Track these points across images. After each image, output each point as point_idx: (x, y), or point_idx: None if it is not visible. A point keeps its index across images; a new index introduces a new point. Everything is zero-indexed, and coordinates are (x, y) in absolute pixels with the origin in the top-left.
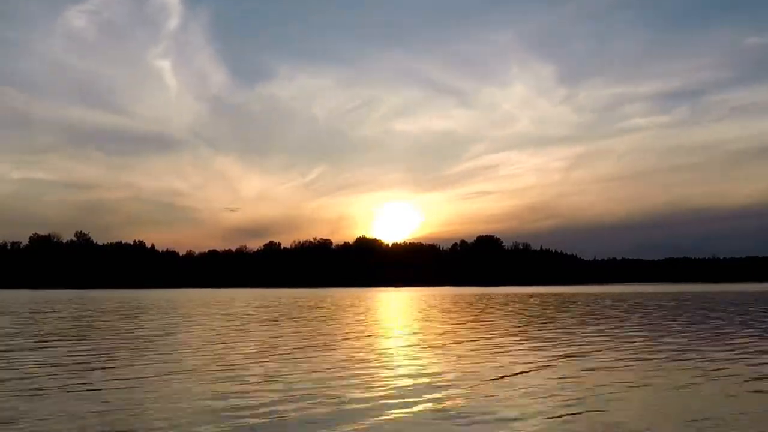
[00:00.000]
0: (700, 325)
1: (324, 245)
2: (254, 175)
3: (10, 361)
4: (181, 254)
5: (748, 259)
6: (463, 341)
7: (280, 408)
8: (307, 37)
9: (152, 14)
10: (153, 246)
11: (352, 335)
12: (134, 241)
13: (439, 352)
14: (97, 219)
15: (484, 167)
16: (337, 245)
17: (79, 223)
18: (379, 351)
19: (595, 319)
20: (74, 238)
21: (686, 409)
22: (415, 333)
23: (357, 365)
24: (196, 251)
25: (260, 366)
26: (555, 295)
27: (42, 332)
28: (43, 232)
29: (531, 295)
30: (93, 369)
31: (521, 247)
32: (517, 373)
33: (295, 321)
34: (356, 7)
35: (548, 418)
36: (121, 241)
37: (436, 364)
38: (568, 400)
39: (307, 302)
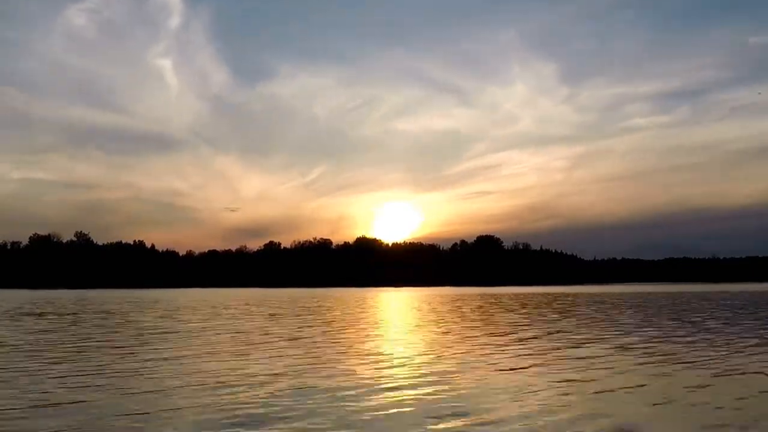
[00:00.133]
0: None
1: (324, 245)
2: (254, 174)
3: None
4: (181, 254)
5: (748, 259)
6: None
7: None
8: (308, 36)
9: (153, 13)
10: (153, 246)
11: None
12: (134, 241)
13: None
14: (97, 219)
15: (484, 167)
16: (337, 245)
17: (79, 223)
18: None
19: (592, 319)
20: (74, 238)
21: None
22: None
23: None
24: (196, 251)
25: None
26: (554, 295)
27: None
28: (43, 232)
29: (531, 295)
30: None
31: (521, 247)
32: (525, 369)
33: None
34: (357, 6)
35: (546, 416)
36: (121, 241)
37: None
38: (565, 399)
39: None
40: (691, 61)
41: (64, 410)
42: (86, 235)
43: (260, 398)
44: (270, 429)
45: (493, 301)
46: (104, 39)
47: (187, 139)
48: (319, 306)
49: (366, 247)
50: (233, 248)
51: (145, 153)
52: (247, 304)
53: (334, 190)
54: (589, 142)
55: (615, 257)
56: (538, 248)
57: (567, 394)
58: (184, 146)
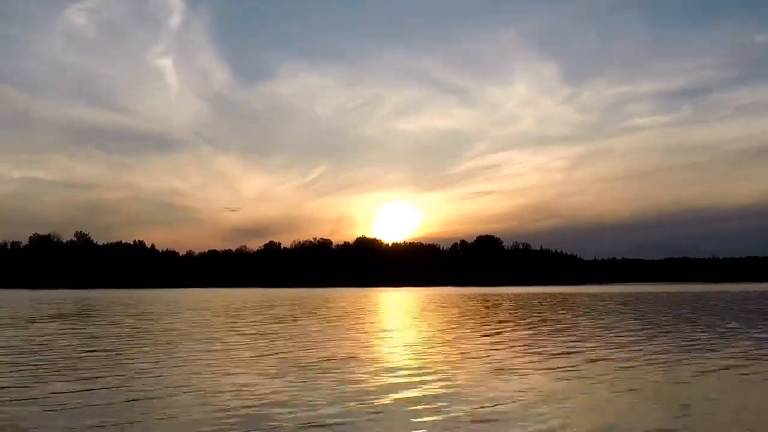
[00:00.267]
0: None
1: (324, 245)
2: (255, 174)
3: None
4: (181, 254)
5: (748, 259)
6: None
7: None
8: (309, 35)
9: (153, 13)
10: (153, 246)
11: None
12: (134, 241)
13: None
14: (97, 219)
15: (485, 167)
16: (337, 245)
17: (79, 223)
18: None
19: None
20: (74, 238)
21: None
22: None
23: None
24: (196, 251)
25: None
26: (551, 295)
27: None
28: (43, 232)
29: (531, 295)
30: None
31: (521, 247)
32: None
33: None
34: (358, 6)
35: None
36: (121, 241)
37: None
38: (562, 397)
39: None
40: (694, 60)
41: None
42: (86, 235)
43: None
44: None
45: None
46: (104, 38)
47: (187, 139)
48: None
49: (366, 247)
50: (233, 248)
51: (145, 153)
52: (267, 306)
53: (335, 190)
54: (589, 142)
55: (615, 257)
56: (538, 248)
57: (559, 391)
58: (184, 146)
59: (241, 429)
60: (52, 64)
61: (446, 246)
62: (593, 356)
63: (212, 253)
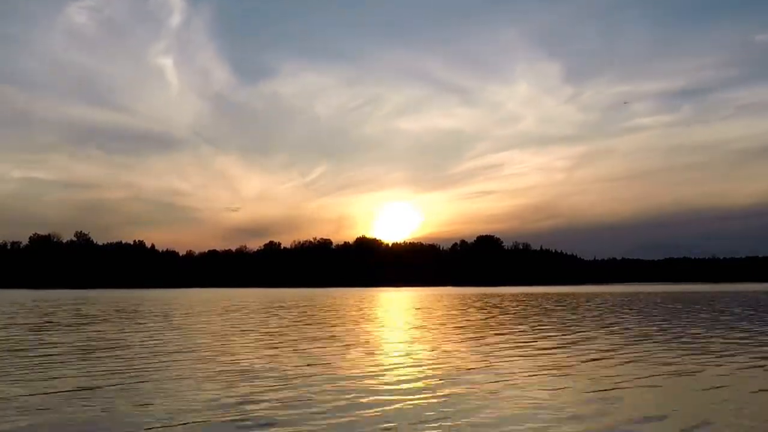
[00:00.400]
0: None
1: (324, 245)
2: (255, 174)
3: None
4: (181, 254)
5: (748, 259)
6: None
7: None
8: (310, 35)
9: (154, 11)
10: (153, 246)
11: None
12: (134, 241)
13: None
14: (97, 219)
15: (487, 166)
16: (337, 245)
17: (79, 223)
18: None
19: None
20: (74, 238)
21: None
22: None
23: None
24: (196, 251)
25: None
26: (548, 295)
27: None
28: (43, 232)
29: (529, 295)
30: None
31: (521, 247)
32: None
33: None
34: (359, 5)
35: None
36: (121, 241)
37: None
38: (558, 396)
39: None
40: (695, 60)
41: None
42: (86, 235)
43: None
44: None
45: (502, 301)
46: (105, 37)
47: (187, 139)
48: (365, 307)
49: (366, 247)
50: (233, 248)
51: (145, 152)
52: (284, 306)
53: (335, 190)
54: (591, 141)
55: (615, 257)
56: (538, 248)
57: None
58: (184, 146)
59: None
60: (52, 64)
61: (446, 246)
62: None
63: (212, 253)
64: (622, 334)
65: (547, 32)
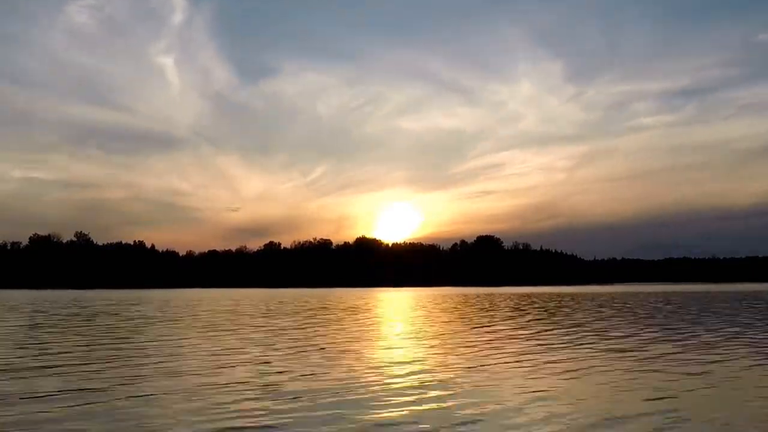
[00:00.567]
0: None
1: (324, 245)
2: (256, 174)
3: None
4: (181, 254)
5: (748, 259)
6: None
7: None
8: (311, 34)
9: (155, 10)
10: (153, 246)
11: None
12: (134, 241)
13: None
14: (97, 219)
15: (488, 166)
16: (337, 245)
17: (79, 223)
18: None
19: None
20: (74, 238)
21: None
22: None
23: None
24: (196, 251)
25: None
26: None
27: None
28: (43, 232)
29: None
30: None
31: (521, 247)
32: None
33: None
34: (360, 4)
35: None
36: (121, 241)
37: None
38: (553, 395)
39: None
40: (698, 60)
41: None
42: (86, 235)
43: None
44: None
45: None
46: (105, 36)
47: (188, 138)
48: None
49: (366, 247)
50: (233, 248)
51: (145, 152)
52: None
53: (336, 190)
54: (594, 141)
55: (615, 257)
56: (539, 248)
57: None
58: (185, 145)
59: None
60: (52, 63)
61: (446, 246)
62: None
63: (212, 253)
64: (622, 334)
65: (550, 31)
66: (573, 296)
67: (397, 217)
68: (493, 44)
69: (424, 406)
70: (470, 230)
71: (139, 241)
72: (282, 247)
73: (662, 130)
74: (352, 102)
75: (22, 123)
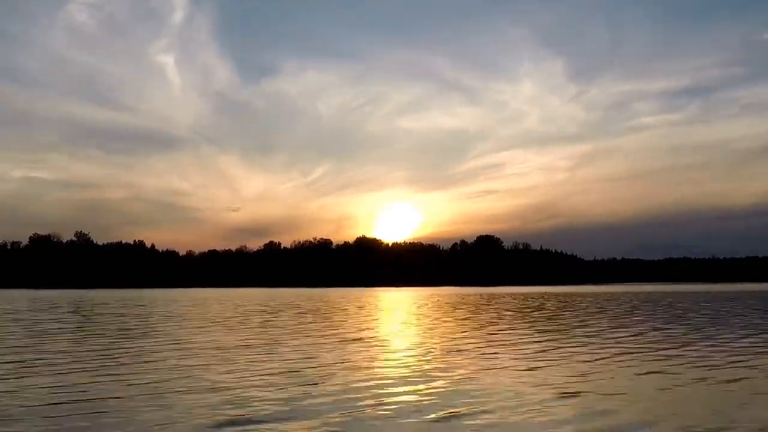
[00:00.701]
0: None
1: (324, 245)
2: (256, 174)
3: None
4: (181, 254)
5: (748, 259)
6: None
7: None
8: (312, 33)
9: (155, 8)
10: (153, 246)
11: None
12: (134, 241)
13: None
14: (97, 219)
15: (489, 166)
16: (337, 245)
17: (79, 223)
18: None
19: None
20: (74, 238)
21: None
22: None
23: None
24: (196, 251)
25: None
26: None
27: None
28: (43, 232)
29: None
30: None
31: (521, 247)
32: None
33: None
34: (361, 4)
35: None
36: (121, 241)
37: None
38: (552, 394)
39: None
40: (700, 59)
41: None
42: (86, 235)
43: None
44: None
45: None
46: (106, 35)
47: (188, 138)
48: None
49: (366, 247)
50: (233, 248)
51: (146, 152)
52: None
53: (336, 190)
54: (595, 140)
55: (615, 257)
56: (538, 248)
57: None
58: (185, 145)
59: None
60: (52, 62)
61: (446, 246)
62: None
63: (212, 253)
64: (619, 335)
65: (551, 31)
66: (581, 296)
67: (398, 216)
68: (495, 44)
69: (426, 401)
70: (470, 230)
71: (139, 240)
72: (282, 247)
73: (663, 129)
74: (353, 102)
75: (22, 122)
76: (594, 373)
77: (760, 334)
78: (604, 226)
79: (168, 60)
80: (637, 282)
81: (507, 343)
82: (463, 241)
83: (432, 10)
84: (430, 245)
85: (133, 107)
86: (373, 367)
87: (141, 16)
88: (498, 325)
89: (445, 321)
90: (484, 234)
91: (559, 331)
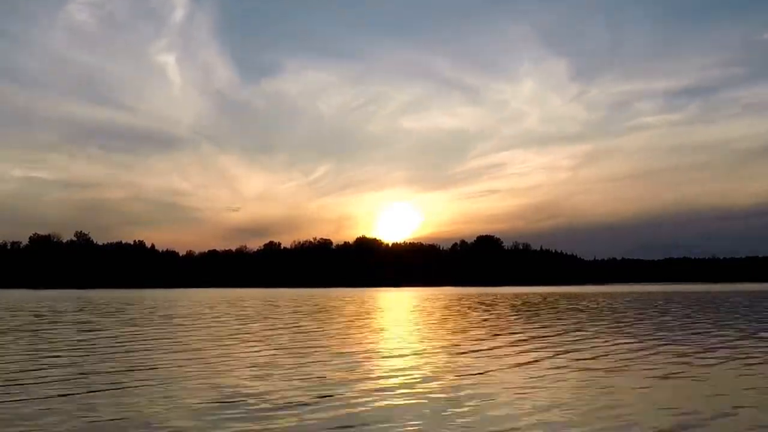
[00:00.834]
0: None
1: (324, 245)
2: (257, 173)
3: None
4: (181, 254)
5: (748, 259)
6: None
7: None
8: (313, 32)
9: (156, 8)
10: (153, 246)
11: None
12: (134, 241)
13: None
14: (97, 219)
15: (489, 166)
16: (337, 245)
17: (79, 223)
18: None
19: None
20: (74, 238)
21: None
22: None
23: None
24: (196, 251)
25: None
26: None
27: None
28: (43, 232)
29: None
30: None
31: (521, 247)
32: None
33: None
34: (362, 3)
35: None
36: (121, 241)
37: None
38: (551, 394)
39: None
40: (700, 59)
41: None
42: (86, 235)
43: None
44: None
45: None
46: (106, 34)
47: (189, 138)
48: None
49: (366, 247)
50: (233, 248)
51: (146, 152)
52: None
53: (337, 190)
54: (596, 140)
55: (615, 257)
56: (538, 248)
57: (549, 389)
58: (186, 145)
59: None
60: (52, 62)
61: (446, 246)
62: None
63: (212, 253)
64: (619, 334)
65: (552, 31)
66: (581, 296)
67: (398, 216)
68: (495, 43)
69: (423, 402)
70: (470, 230)
71: (139, 240)
72: (282, 247)
73: (664, 129)
74: (354, 101)
75: (23, 122)
76: (607, 371)
77: None
78: (605, 226)
79: (168, 59)
80: (637, 282)
81: (510, 343)
82: (463, 241)
83: (432, 10)
84: (430, 245)
85: (133, 107)
86: (373, 367)
87: (141, 16)
88: (498, 325)
89: (445, 321)
90: (484, 234)
91: (567, 332)
